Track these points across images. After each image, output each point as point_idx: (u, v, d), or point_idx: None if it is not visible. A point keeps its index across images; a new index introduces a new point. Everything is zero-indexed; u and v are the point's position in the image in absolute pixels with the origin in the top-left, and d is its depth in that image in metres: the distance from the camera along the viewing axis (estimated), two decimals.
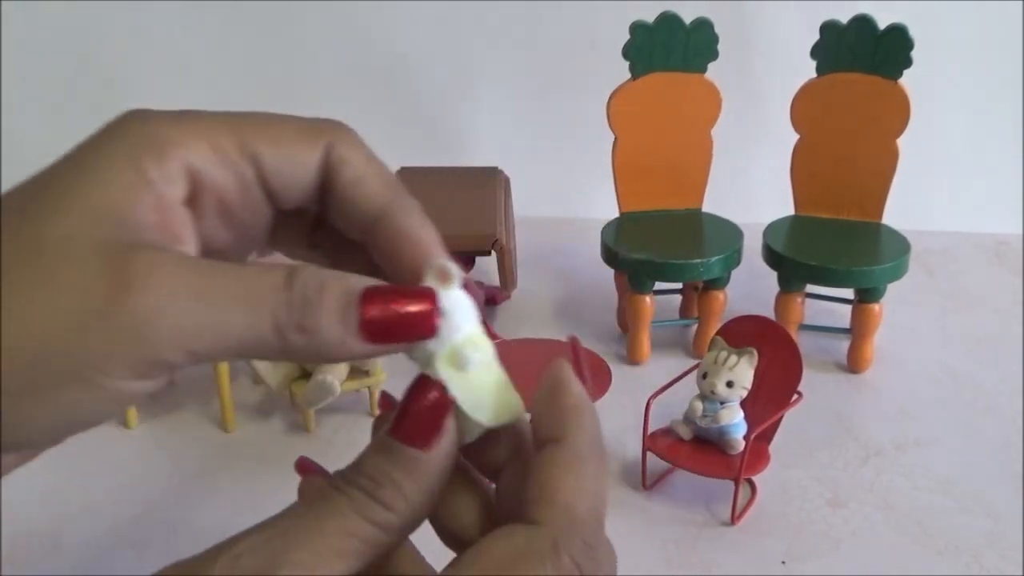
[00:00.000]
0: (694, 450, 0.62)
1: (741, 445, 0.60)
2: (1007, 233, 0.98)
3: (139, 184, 0.28)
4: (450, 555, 0.31)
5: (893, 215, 0.79)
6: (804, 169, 0.79)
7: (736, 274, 0.77)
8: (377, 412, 0.49)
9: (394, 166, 0.87)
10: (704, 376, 0.62)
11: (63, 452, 0.70)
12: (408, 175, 0.87)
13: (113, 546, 0.59)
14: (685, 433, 0.63)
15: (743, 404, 0.61)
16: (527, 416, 0.31)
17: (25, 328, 0.25)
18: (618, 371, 0.66)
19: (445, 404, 0.29)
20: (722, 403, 0.61)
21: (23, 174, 0.29)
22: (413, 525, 0.29)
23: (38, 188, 0.28)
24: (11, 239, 0.26)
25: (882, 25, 0.74)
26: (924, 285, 0.89)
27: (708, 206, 0.82)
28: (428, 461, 0.29)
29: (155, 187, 0.28)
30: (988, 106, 0.97)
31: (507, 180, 0.87)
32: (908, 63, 0.74)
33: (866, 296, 0.75)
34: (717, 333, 0.64)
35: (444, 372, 0.29)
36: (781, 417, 0.62)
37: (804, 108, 0.78)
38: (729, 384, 0.61)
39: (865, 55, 0.75)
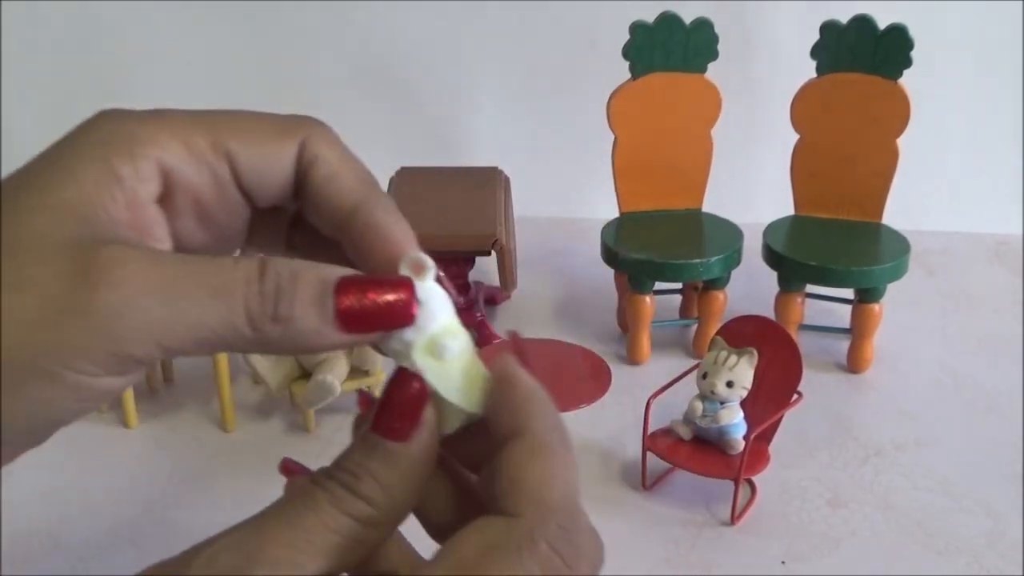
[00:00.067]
0: (694, 450, 0.62)
1: (741, 445, 0.60)
2: (1007, 233, 0.98)
3: (110, 182, 0.28)
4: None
5: (893, 215, 0.79)
6: (804, 169, 0.79)
7: (736, 274, 0.77)
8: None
9: (394, 166, 0.88)
10: (704, 376, 0.62)
11: (63, 452, 0.71)
12: (408, 175, 0.87)
13: (113, 546, 0.59)
14: (685, 433, 0.62)
15: (743, 404, 0.61)
16: None
17: None
18: (618, 371, 0.66)
19: (422, 395, 0.29)
20: (722, 403, 0.61)
21: None
22: (396, 519, 0.29)
23: (10, 186, 0.28)
24: None
25: (882, 25, 0.74)
26: (924, 285, 0.89)
27: (708, 206, 0.82)
28: (407, 454, 0.29)
29: (126, 185, 0.28)
30: (988, 106, 0.97)
31: (507, 180, 0.87)
32: (908, 63, 0.74)
33: (866, 296, 0.75)
34: (717, 333, 0.64)
35: (422, 362, 0.29)
36: (781, 417, 0.62)
37: (804, 108, 0.78)
38: (729, 384, 0.61)
39: (865, 55, 0.75)
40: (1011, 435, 0.69)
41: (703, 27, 0.76)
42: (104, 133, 0.28)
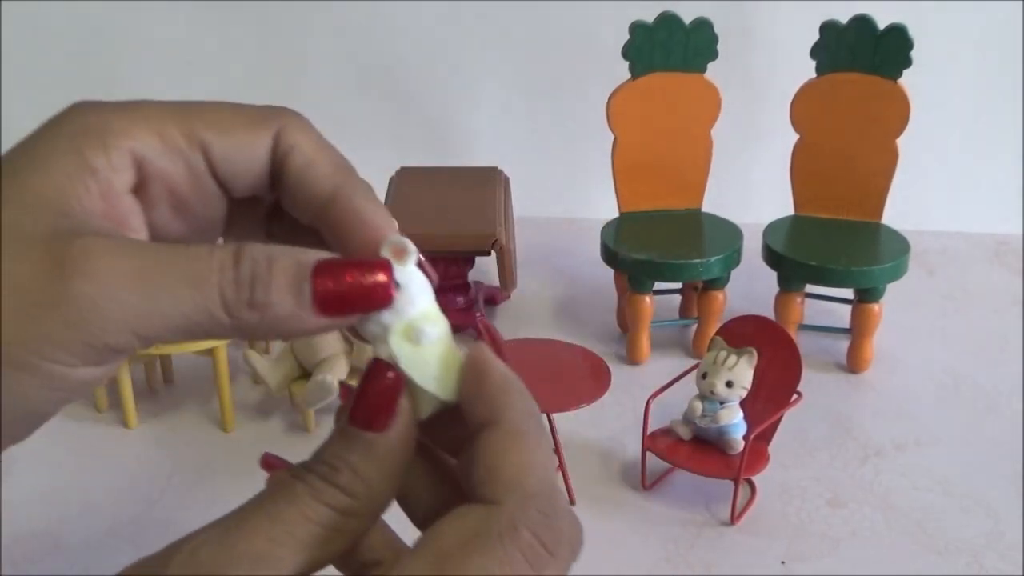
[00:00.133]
0: (694, 450, 0.62)
1: (740, 445, 0.60)
2: (1007, 233, 0.98)
3: (83, 173, 0.28)
4: None
5: (893, 215, 0.79)
6: (804, 169, 0.79)
7: (736, 274, 0.77)
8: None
9: (394, 166, 0.88)
10: (704, 376, 0.62)
11: (63, 452, 0.71)
12: (408, 175, 0.87)
13: (113, 546, 0.59)
14: (685, 433, 0.63)
15: (742, 404, 0.61)
16: None
17: None
18: (618, 371, 0.66)
19: (397, 386, 0.29)
20: (721, 403, 0.61)
21: None
22: (377, 508, 0.29)
23: None
24: None
25: (882, 25, 0.74)
26: (924, 285, 0.89)
27: (708, 206, 0.82)
28: (385, 444, 0.29)
29: (100, 176, 0.28)
30: (988, 106, 0.97)
31: (507, 180, 0.87)
32: (908, 63, 0.74)
33: (866, 296, 0.75)
34: (717, 333, 0.64)
35: (398, 347, 0.29)
36: (781, 417, 0.62)
37: (804, 108, 0.78)
38: (728, 384, 0.61)
39: (865, 55, 0.75)
40: (1011, 435, 0.69)
41: (703, 27, 0.76)
42: (77, 124, 0.29)
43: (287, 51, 1.02)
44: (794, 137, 0.79)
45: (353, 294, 0.28)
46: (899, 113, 0.75)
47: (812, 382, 0.70)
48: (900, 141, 0.76)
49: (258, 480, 0.31)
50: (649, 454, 0.63)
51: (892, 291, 0.75)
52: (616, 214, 0.81)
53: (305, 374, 0.68)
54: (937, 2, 0.91)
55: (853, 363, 0.76)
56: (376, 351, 0.29)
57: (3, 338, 0.25)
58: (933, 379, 0.76)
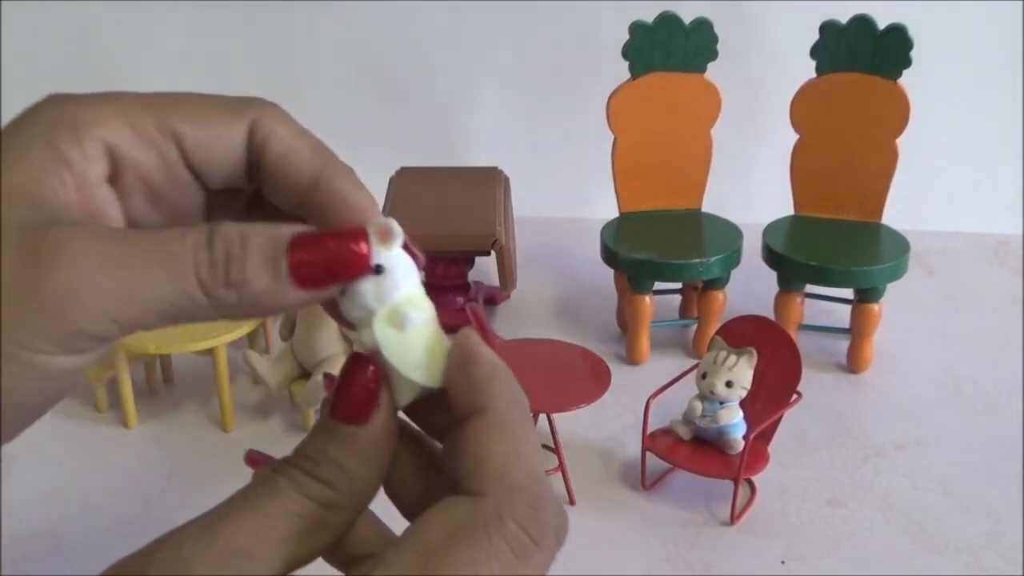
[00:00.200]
0: (693, 450, 0.62)
1: (740, 445, 0.60)
2: (1007, 233, 0.98)
3: (57, 164, 0.28)
4: None
5: (893, 215, 0.79)
6: (804, 169, 0.79)
7: (736, 274, 0.77)
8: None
9: (394, 166, 0.88)
10: (703, 376, 0.62)
11: (63, 452, 0.71)
12: (408, 175, 0.87)
13: (113, 546, 0.59)
14: (684, 433, 0.63)
15: (742, 404, 0.61)
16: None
17: None
18: (618, 371, 0.66)
19: (377, 379, 0.29)
20: (721, 403, 0.61)
21: None
22: (360, 501, 0.29)
23: None
24: None
25: (882, 25, 0.74)
26: (924, 285, 0.89)
27: (708, 206, 0.82)
28: (366, 436, 0.29)
29: (74, 167, 0.28)
30: (988, 106, 0.97)
31: (507, 180, 0.87)
32: (908, 63, 0.74)
33: (866, 296, 0.75)
34: (716, 333, 0.64)
35: (382, 332, 0.29)
36: (780, 417, 0.62)
37: (804, 108, 0.78)
38: (728, 384, 0.61)
39: (865, 55, 0.75)
40: (1011, 435, 0.69)
41: (703, 27, 0.76)
42: (49, 116, 0.28)
43: (287, 51, 1.02)
44: (794, 137, 0.79)
45: (330, 264, 0.28)
46: (899, 113, 0.75)
47: (812, 382, 0.70)
48: (900, 141, 0.76)
49: None
50: (649, 454, 0.63)
51: (892, 291, 0.75)
52: (616, 214, 0.81)
53: (305, 374, 0.68)
54: (937, 2, 0.91)
55: (853, 363, 0.76)
56: (360, 337, 0.29)
57: None
58: (933, 379, 0.76)
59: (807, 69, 0.77)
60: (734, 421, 0.61)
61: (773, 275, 0.77)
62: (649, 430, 0.62)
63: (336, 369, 0.66)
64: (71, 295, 0.26)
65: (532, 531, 0.27)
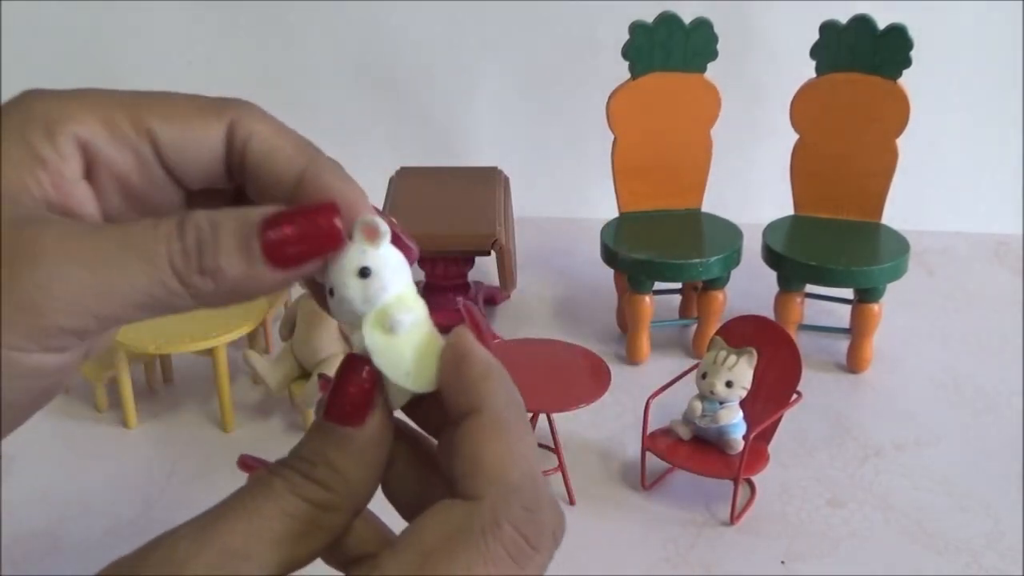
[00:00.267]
0: (693, 450, 0.62)
1: (740, 445, 0.60)
2: (1007, 233, 0.98)
3: (32, 163, 0.28)
4: None
5: (893, 215, 0.79)
6: (803, 169, 0.79)
7: (735, 274, 0.77)
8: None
9: (394, 166, 0.88)
10: (703, 376, 0.62)
11: (63, 452, 0.71)
12: (408, 175, 0.87)
13: (113, 546, 0.59)
14: (684, 433, 0.63)
15: (742, 404, 0.61)
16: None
17: None
18: (617, 371, 0.66)
19: (371, 381, 0.28)
20: (721, 403, 0.61)
21: None
22: (357, 502, 0.29)
23: None
24: None
25: (882, 25, 0.74)
26: (924, 285, 0.89)
27: (707, 206, 0.82)
28: (361, 437, 0.28)
29: (50, 165, 0.28)
30: (988, 106, 0.97)
31: (507, 180, 0.87)
32: (907, 63, 0.74)
33: (865, 296, 0.75)
34: (716, 333, 0.64)
35: (371, 336, 0.28)
36: (780, 417, 0.62)
37: (803, 108, 0.78)
38: (728, 384, 0.61)
39: (864, 55, 0.75)
40: (1011, 435, 0.69)
41: (702, 27, 0.76)
42: (23, 114, 0.28)
43: (287, 51, 1.02)
44: (794, 137, 0.79)
45: (303, 241, 0.27)
46: (899, 113, 0.75)
47: (812, 382, 0.71)
48: (900, 141, 0.76)
49: None
50: (649, 454, 0.63)
51: (892, 291, 0.75)
52: (616, 214, 0.81)
53: (305, 374, 0.68)
54: (937, 2, 0.91)
55: (853, 363, 0.76)
56: (352, 342, 0.29)
57: None
58: (933, 379, 0.76)
59: (807, 69, 0.77)
60: (734, 421, 0.61)
61: (773, 275, 0.77)
62: (649, 430, 0.62)
63: (335, 369, 0.66)
64: (47, 291, 0.25)
65: (529, 534, 0.27)
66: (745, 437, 0.60)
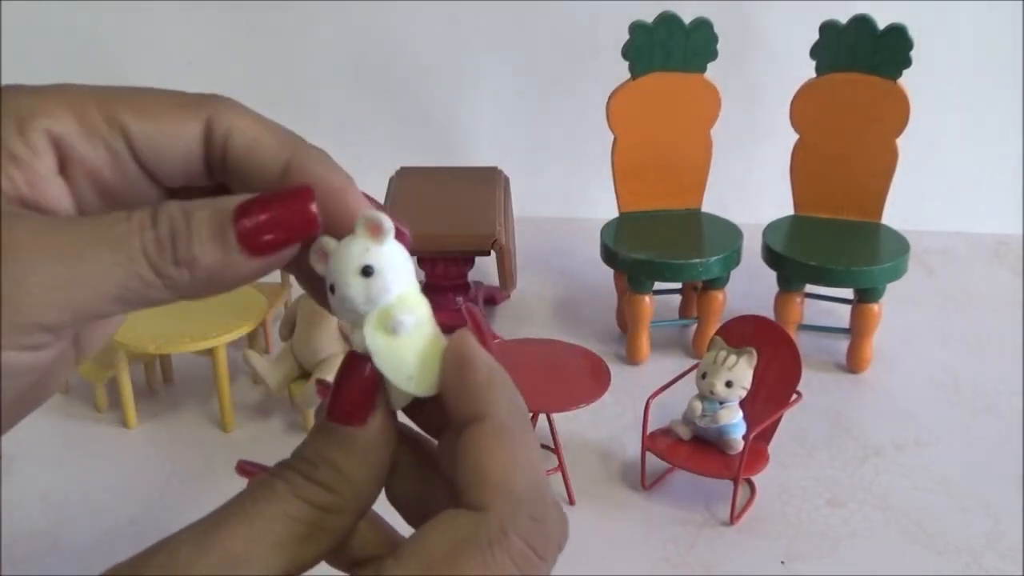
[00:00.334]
0: (693, 450, 0.62)
1: (740, 445, 0.60)
2: (1007, 233, 0.98)
3: (6, 161, 0.27)
4: None
5: (892, 215, 0.79)
6: (803, 169, 0.79)
7: (735, 274, 0.77)
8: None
9: (394, 166, 0.88)
10: (703, 376, 0.62)
11: (63, 452, 0.71)
12: (408, 175, 0.87)
13: (113, 546, 0.59)
14: (684, 433, 0.63)
15: (742, 404, 0.61)
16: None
17: None
18: (617, 371, 0.66)
19: (373, 379, 0.28)
20: (721, 403, 0.61)
21: None
22: (361, 504, 0.28)
23: None
24: None
25: (881, 25, 0.74)
26: (924, 285, 0.89)
27: (707, 206, 0.82)
28: (364, 438, 0.28)
29: (23, 163, 0.27)
30: (988, 106, 0.97)
31: (507, 180, 0.87)
32: (907, 63, 0.74)
33: (865, 296, 0.75)
34: (716, 333, 0.64)
35: (372, 338, 0.27)
36: (780, 417, 0.62)
37: (803, 108, 0.78)
38: (728, 384, 0.61)
39: (864, 55, 0.75)
40: (1011, 435, 0.69)
41: (702, 27, 0.76)
42: None
43: (287, 51, 1.02)
44: (794, 137, 0.79)
45: (278, 227, 0.27)
46: (899, 113, 0.75)
47: (812, 382, 0.70)
48: (900, 141, 0.76)
49: None
50: (649, 454, 0.63)
51: (892, 291, 0.75)
52: (616, 214, 0.81)
53: (305, 374, 0.68)
54: (937, 2, 0.91)
55: (853, 363, 0.76)
56: (353, 340, 0.28)
57: None
58: (933, 379, 0.76)
59: (807, 69, 0.77)
60: (734, 421, 0.61)
61: (773, 275, 0.77)
62: (649, 430, 0.62)
63: (336, 369, 0.66)
64: (19, 286, 0.25)
65: (536, 545, 0.26)
66: (745, 437, 0.60)
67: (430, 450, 0.31)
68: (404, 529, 0.30)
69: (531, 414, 0.60)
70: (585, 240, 0.85)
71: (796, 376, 0.62)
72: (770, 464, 0.61)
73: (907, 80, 0.75)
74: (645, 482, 0.63)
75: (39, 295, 0.25)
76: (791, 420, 0.64)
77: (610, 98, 0.77)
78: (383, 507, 0.30)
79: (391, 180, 0.86)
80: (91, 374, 0.70)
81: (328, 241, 0.28)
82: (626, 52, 0.76)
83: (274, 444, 0.68)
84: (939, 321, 0.84)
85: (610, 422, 0.70)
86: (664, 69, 0.77)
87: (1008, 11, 0.93)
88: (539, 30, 0.99)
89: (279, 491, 0.27)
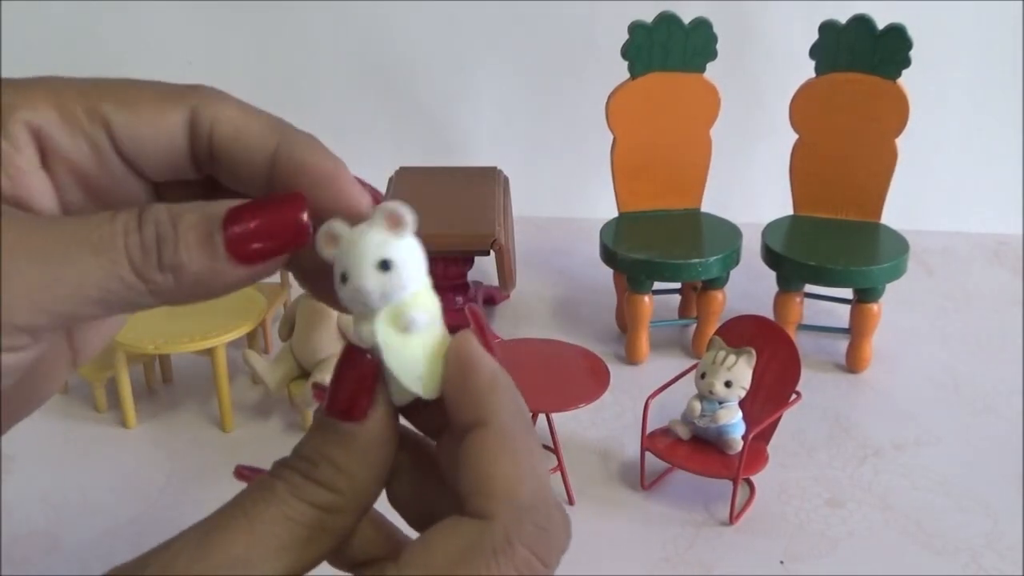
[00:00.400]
0: (692, 450, 0.62)
1: (739, 445, 0.60)
2: (1007, 233, 0.98)
3: None
4: None
5: (892, 215, 0.79)
6: (803, 169, 0.79)
7: (735, 274, 0.77)
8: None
9: (394, 166, 0.88)
10: (703, 376, 0.62)
11: (63, 452, 0.71)
12: (408, 175, 0.87)
13: (112, 546, 0.59)
14: (684, 433, 0.63)
15: (741, 404, 0.61)
16: None
17: None
18: (617, 371, 0.66)
19: (372, 372, 0.27)
20: (720, 403, 0.61)
21: None
22: (362, 503, 0.28)
23: None
24: None
25: (881, 25, 0.74)
26: (923, 285, 0.89)
27: (707, 206, 0.82)
28: (364, 435, 0.27)
29: (2, 155, 0.27)
30: (988, 106, 0.97)
31: (506, 180, 0.87)
32: (907, 63, 0.74)
33: (865, 296, 0.75)
34: (716, 333, 0.64)
35: (383, 334, 0.26)
36: (779, 417, 0.62)
37: (803, 108, 0.78)
38: (727, 384, 0.61)
39: (864, 55, 0.75)
40: (1011, 435, 0.69)
41: (702, 27, 0.76)
42: None
43: (287, 51, 1.02)
44: (793, 137, 0.79)
45: (269, 236, 0.26)
46: (898, 113, 0.75)
47: (811, 382, 0.71)
48: (899, 141, 0.76)
49: None
50: (648, 454, 0.63)
51: (891, 291, 0.75)
52: (615, 214, 0.81)
53: (304, 374, 0.68)
54: (937, 2, 0.91)
55: (852, 363, 0.76)
56: (358, 330, 0.27)
57: None
58: (932, 379, 0.76)
59: (806, 69, 0.77)
60: (733, 421, 0.61)
61: (772, 275, 0.77)
62: (648, 430, 0.62)
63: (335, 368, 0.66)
64: None
65: (541, 553, 0.26)
66: (744, 437, 0.60)
67: (431, 452, 0.30)
68: (408, 529, 0.30)
69: (531, 414, 0.60)
70: (585, 240, 0.85)
71: (795, 376, 0.62)
72: (769, 464, 0.61)
73: (906, 80, 0.75)
74: (644, 482, 0.63)
75: (19, 298, 0.24)
76: (790, 420, 0.64)
77: (609, 98, 0.77)
78: (385, 507, 0.30)
79: (391, 180, 0.86)
80: (90, 374, 0.70)
81: (339, 226, 0.27)
82: (625, 52, 0.76)
83: (273, 444, 0.68)
84: (939, 321, 0.84)
85: (609, 422, 0.70)
86: (663, 69, 0.77)
87: (1008, 11, 0.93)
88: (539, 30, 0.99)
89: (279, 492, 0.27)
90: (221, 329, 0.68)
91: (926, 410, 0.72)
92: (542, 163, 1.01)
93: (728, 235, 0.78)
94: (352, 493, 0.27)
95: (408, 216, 0.26)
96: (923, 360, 0.78)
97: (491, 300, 0.85)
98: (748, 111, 0.93)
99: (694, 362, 0.65)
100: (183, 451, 0.68)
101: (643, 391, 0.63)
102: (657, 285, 0.77)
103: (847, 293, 0.77)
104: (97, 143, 0.28)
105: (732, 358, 0.61)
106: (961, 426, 0.70)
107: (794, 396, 0.62)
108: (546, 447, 0.62)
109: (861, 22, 0.75)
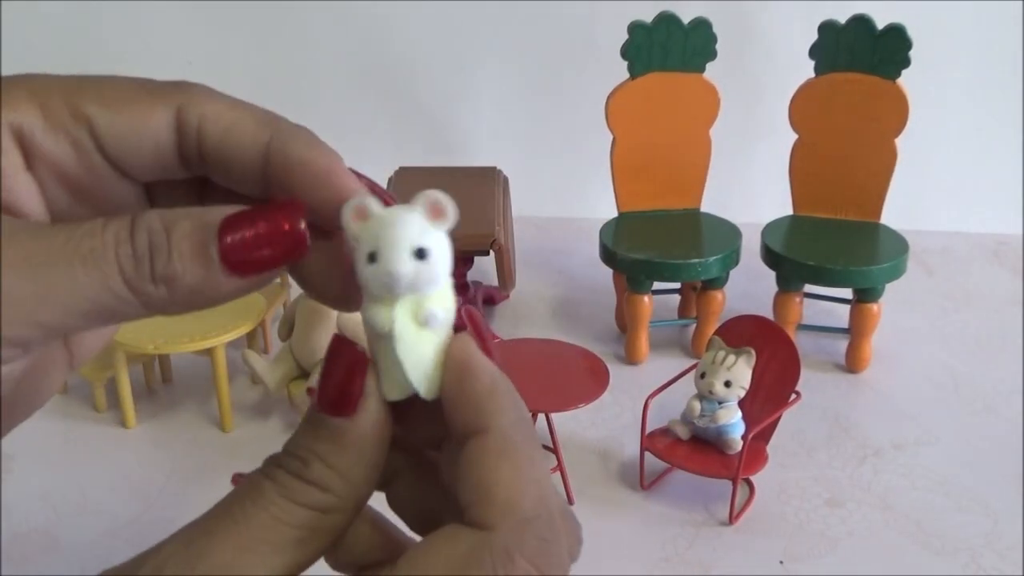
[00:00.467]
0: (692, 450, 0.62)
1: (739, 445, 0.60)
2: (1007, 233, 0.98)
3: None
4: None
5: (892, 215, 0.79)
6: (802, 169, 0.79)
7: (734, 274, 0.77)
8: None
9: (394, 166, 0.88)
10: (702, 376, 0.62)
11: (63, 452, 0.71)
12: (408, 175, 0.87)
13: (111, 546, 0.59)
14: (683, 433, 0.62)
15: (741, 404, 0.61)
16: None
17: None
18: (616, 371, 0.66)
19: (361, 363, 0.26)
20: (720, 403, 0.61)
21: None
22: (356, 502, 0.27)
23: None
24: None
25: (880, 25, 0.74)
26: (923, 285, 0.89)
27: (706, 206, 0.82)
28: (355, 430, 0.26)
29: None
30: (988, 106, 0.97)
31: (506, 180, 0.87)
32: (906, 63, 0.74)
33: (864, 296, 0.75)
34: (715, 333, 0.64)
35: (401, 323, 0.25)
36: (779, 417, 0.62)
37: (802, 108, 0.78)
38: (727, 384, 0.61)
39: (863, 55, 0.75)
40: (1011, 435, 0.69)
41: (701, 27, 0.76)
42: None
43: (287, 51, 1.02)
44: (793, 137, 0.79)
45: (264, 246, 0.25)
46: (898, 113, 0.75)
47: (811, 382, 0.71)
48: (899, 141, 0.76)
49: None
50: (648, 454, 0.63)
51: (891, 291, 0.75)
52: (615, 214, 0.81)
53: (304, 374, 0.68)
54: (937, 2, 0.91)
55: (852, 363, 0.76)
56: (370, 313, 0.26)
57: None
58: (932, 379, 0.76)
59: (806, 69, 0.77)
60: (733, 421, 0.61)
61: (772, 275, 0.77)
62: (648, 430, 0.62)
63: None
64: None
65: (543, 565, 0.25)
66: (744, 437, 0.60)
67: (431, 456, 0.29)
68: (409, 531, 0.30)
69: (531, 416, 0.60)
70: (584, 240, 0.85)
71: (795, 376, 0.62)
72: (769, 464, 0.61)
73: (906, 80, 0.75)
74: (644, 482, 0.63)
75: (7, 311, 0.24)
76: (790, 420, 0.64)
77: (609, 98, 0.77)
78: (385, 508, 0.30)
79: (390, 180, 0.86)
80: (90, 374, 0.70)
81: (373, 203, 0.26)
82: (625, 52, 0.76)
83: (273, 444, 0.67)
84: (939, 321, 0.84)
85: (609, 422, 0.70)
86: (663, 69, 0.77)
87: (1008, 11, 0.93)
88: (538, 30, 0.99)
89: (269, 494, 0.26)
90: (221, 329, 0.68)
91: (926, 410, 0.72)
92: (542, 163, 1.01)
93: (728, 235, 0.78)
94: (345, 492, 0.26)
95: (451, 208, 0.26)
96: (923, 360, 0.78)
97: (491, 300, 0.85)
98: (748, 111, 0.93)
99: (694, 362, 0.65)
100: (183, 451, 0.68)
101: (643, 391, 0.63)
102: (657, 285, 0.77)
103: (847, 293, 0.77)
104: (81, 144, 0.27)
105: (732, 358, 0.61)
106: (961, 426, 0.70)
107: (794, 396, 0.62)
108: (546, 447, 0.62)
109: (861, 22, 0.75)
